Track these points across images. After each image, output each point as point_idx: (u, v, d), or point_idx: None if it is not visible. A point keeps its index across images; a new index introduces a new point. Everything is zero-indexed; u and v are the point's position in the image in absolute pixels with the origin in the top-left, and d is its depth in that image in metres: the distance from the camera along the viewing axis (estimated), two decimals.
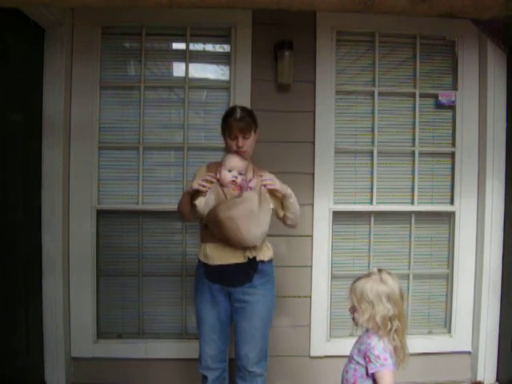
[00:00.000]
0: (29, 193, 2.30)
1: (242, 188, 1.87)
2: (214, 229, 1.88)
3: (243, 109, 2.00)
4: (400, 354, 1.55)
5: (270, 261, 2.00)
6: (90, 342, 2.54)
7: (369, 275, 1.60)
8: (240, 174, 1.89)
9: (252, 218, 1.82)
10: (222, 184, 1.89)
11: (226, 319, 1.98)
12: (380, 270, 1.60)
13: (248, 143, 1.95)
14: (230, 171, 1.88)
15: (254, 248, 1.90)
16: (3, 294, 2.07)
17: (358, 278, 1.62)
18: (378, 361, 1.48)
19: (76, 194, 2.50)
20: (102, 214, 2.57)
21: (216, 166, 1.96)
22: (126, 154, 2.60)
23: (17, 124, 2.17)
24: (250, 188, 1.87)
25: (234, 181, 1.87)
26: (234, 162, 1.90)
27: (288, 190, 1.96)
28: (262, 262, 1.93)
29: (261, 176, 1.95)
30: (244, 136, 1.93)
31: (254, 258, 1.90)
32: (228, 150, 1.99)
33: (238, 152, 1.94)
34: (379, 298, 1.52)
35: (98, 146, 2.55)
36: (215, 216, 1.81)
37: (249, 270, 1.91)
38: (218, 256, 1.91)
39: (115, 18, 2.48)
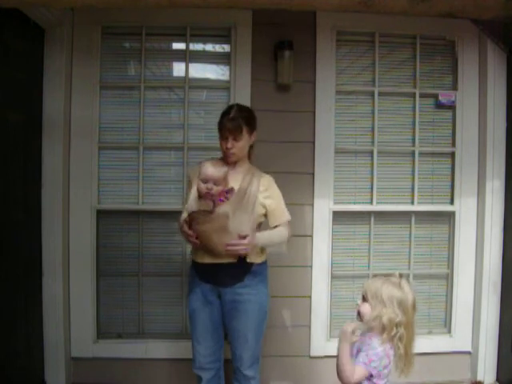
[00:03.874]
0: (29, 193, 2.29)
1: (214, 203, 1.79)
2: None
3: (241, 109, 1.89)
4: (404, 362, 1.55)
5: (264, 262, 1.97)
6: (90, 342, 2.54)
7: (388, 277, 1.62)
8: (215, 184, 1.80)
9: (225, 234, 1.76)
10: (199, 194, 1.83)
11: (219, 319, 1.95)
12: (401, 276, 1.61)
13: (238, 145, 1.84)
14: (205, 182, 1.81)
15: None
16: (3, 294, 2.06)
17: (376, 276, 1.65)
18: (364, 358, 1.50)
19: (76, 194, 2.50)
20: (101, 214, 2.57)
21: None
22: (126, 154, 2.60)
23: (17, 124, 2.17)
24: (226, 199, 1.80)
25: (208, 193, 1.79)
26: (209, 172, 1.80)
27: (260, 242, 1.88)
28: (254, 263, 1.90)
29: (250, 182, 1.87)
30: (234, 138, 1.82)
31: (245, 258, 1.85)
32: (220, 149, 1.91)
33: (227, 153, 1.86)
34: (391, 300, 1.53)
35: (97, 146, 2.55)
36: (190, 224, 1.81)
37: (240, 270, 1.87)
38: (209, 255, 1.87)
39: (115, 17, 2.48)
